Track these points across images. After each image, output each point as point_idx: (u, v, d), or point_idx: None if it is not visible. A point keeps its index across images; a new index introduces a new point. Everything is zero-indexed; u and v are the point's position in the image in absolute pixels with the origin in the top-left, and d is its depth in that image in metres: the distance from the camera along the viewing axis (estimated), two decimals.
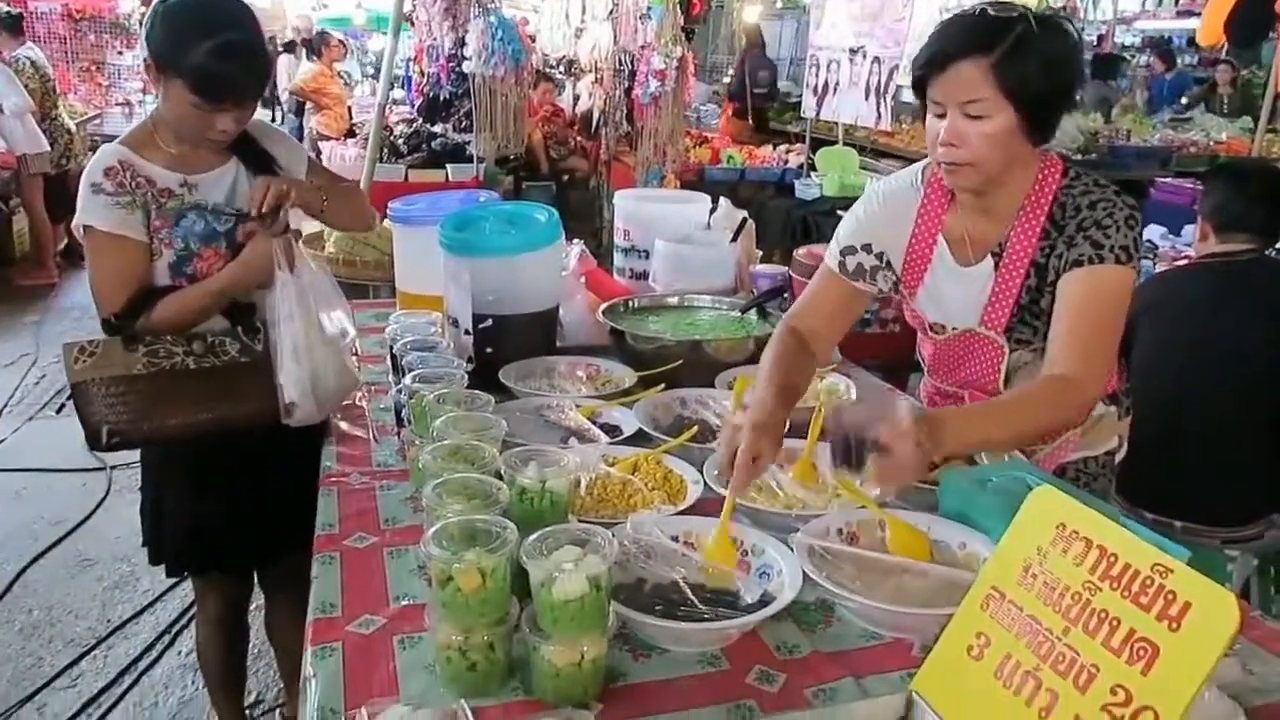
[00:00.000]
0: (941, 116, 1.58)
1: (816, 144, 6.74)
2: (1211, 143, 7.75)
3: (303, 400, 1.91)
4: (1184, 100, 10.45)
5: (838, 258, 1.84)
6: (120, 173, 1.87)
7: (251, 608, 2.43)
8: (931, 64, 1.56)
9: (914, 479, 1.39)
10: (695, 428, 1.75)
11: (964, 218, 1.73)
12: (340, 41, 9.54)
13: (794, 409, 1.59)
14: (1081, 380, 1.56)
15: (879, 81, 5.31)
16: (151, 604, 3.21)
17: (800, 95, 7.11)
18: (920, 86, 1.61)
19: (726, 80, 11.75)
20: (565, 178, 7.85)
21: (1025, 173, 1.65)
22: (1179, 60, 12.25)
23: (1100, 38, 13.17)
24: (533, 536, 1.12)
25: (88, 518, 3.78)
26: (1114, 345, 1.67)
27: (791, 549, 1.32)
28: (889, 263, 1.81)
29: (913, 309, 1.86)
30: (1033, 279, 1.66)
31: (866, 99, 5.44)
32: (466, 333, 2.06)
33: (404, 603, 1.31)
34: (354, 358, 2.10)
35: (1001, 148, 1.56)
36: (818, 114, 6.09)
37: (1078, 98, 1.70)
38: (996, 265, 1.69)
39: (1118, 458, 1.96)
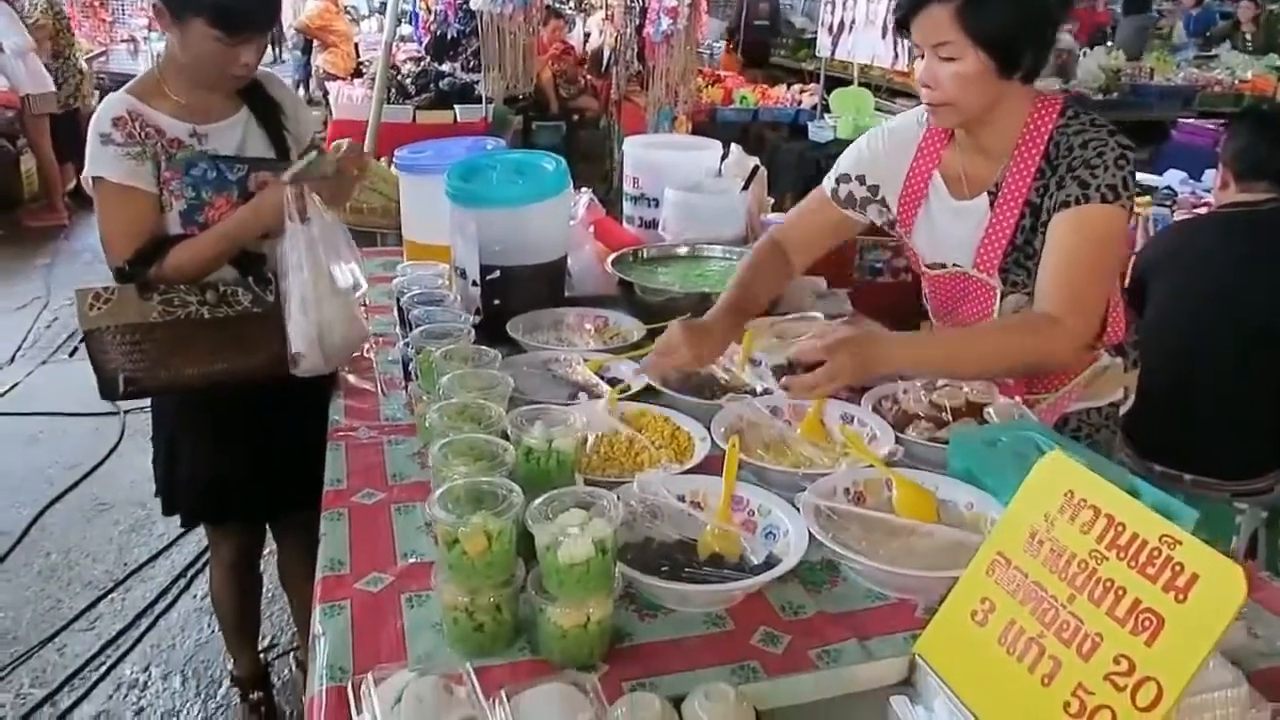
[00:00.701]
0: (923, 57, 1.61)
1: (832, 84, 6.60)
2: (1236, 81, 7.53)
3: (309, 351, 1.90)
4: (1208, 34, 10.19)
5: (832, 184, 1.91)
6: (129, 123, 1.85)
7: (265, 553, 2.46)
8: (907, 6, 1.59)
9: (823, 395, 1.54)
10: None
11: (961, 154, 1.76)
12: None
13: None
14: (1066, 320, 1.57)
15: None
16: (167, 548, 3.27)
17: (815, 32, 6.94)
18: (905, 28, 1.63)
19: None
20: (575, 117, 7.75)
21: (1015, 111, 1.66)
22: None
23: None
24: (538, 500, 1.11)
25: (102, 462, 3.83)
26: (1103, 286, 1.68)
27: (798, 509, 1.31)
28: (883, 198, 1.86)
29: (909, 246, 1.89)
30: (1027, 218, 1.67)
31: (883, 38, 5.32)
32: (474, 284, 2.04)
33: (411, 560, 1.32)
34: (362, 309, 2.09)
35: (975, 88, 1.58)
36: (833, 53, 5.97)
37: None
38: (992, 204, 1.71)
39: (1123, 410, 1.95)
